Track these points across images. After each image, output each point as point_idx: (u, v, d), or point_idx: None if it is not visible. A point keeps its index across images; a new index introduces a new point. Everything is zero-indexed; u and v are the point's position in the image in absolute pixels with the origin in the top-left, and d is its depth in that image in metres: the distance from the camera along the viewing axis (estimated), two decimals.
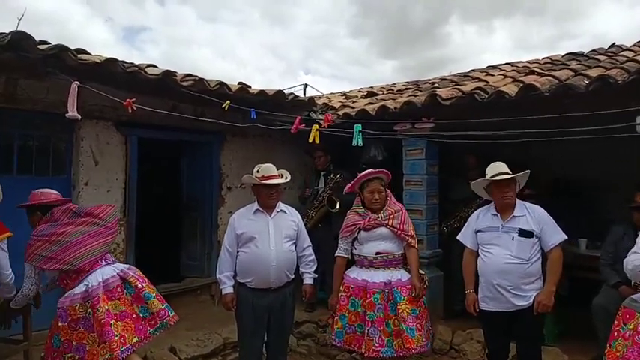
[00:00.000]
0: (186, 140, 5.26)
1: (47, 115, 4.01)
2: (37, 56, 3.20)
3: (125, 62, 3.78)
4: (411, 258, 3.27)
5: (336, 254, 3.44)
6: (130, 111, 3.41)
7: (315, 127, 3.55)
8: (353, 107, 5.06)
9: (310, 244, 3.43)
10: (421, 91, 5.16)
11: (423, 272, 3.40)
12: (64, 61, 3.32)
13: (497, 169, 3.13)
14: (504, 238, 3.04)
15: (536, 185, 3.85)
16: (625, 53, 4.47)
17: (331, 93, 7.54)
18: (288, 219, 3.30)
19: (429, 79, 6.21)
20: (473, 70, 5.81)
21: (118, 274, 2.88)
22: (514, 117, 3.52)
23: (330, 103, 5.59)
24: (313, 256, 3.41)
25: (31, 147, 4.08)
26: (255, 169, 3.22)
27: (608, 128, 3.16)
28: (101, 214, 3.01)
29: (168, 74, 3.91)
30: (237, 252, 3.20)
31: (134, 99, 3.46)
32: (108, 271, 2.86)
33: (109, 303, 2.75)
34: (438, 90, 4.40)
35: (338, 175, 5.00)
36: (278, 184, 3.20)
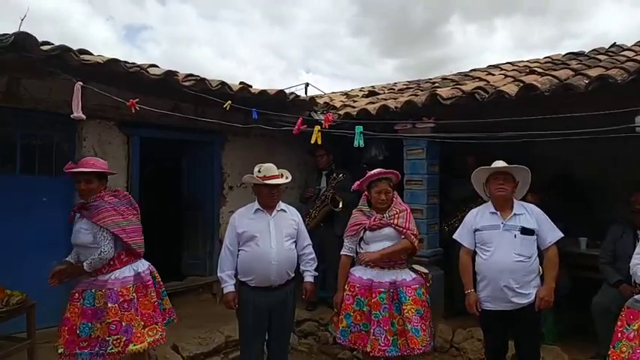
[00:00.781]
0: (187, 140, 5.28)
1: (50, 115, 4.03)
2: (40, 56, 3.23)
3: (127, 62, 3.80)
4: (400, 241, 3.25)
5: (342, 253, 3.46)
6: (134, 111, 3.43)
7: (317, 127, 3.56)
8: (354, 107, 5.07)
9: (310, 242, 3.44)
10: (422, 90, 5.18)
11: (426, 271, 3.41)
12: (67, 62, 3.34)
13: (497, 165, 3.17)
14: (506, 237, 3.02)
15: (537, 184, 3.86)
16: (625, 53, 4.47)
17: (333, 92, 7.56)
18: (289, 218, 3.32)
19: (430, 79, 6.23)
20: (474, 70, 5.82)
21: (148, 267, 3.13)
22: (514, 117, 3.52)
23: (331, 103, 5.61)
24: (313, 255, 3.43)
25: (34, 146, 4.10)
26: (256, 169, 3.23)
27: (608, 129, 3.17)
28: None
29: (170, 74, 3.93)
30: (239, 251, 3.22)
31: (137, 99, 3.48)
32: (145, 263, 3.12)
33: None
34: (438, 90, 4.41)
35: (340, 175, 5.01)
36: (279, 184, 3.22)
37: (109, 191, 3.04)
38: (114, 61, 3.58)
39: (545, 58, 5.55)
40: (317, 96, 6.60)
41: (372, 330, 3.16)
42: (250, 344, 3.24)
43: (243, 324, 3.25)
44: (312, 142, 3.58)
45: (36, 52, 3.18)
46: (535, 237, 3.02)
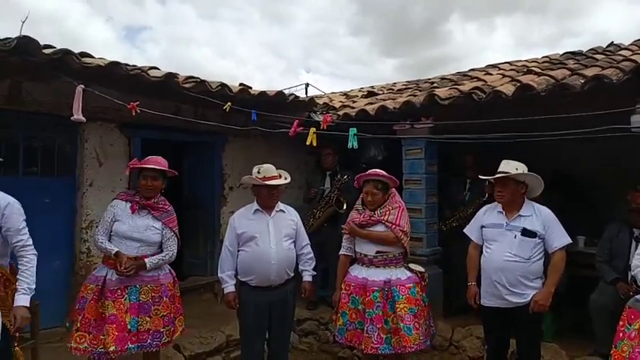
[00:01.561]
0: (188, 141, 5.33)
1: (52, 117, 4.07)
2: (42, 60, 3.26)
3: (128, 65, 3.84)
4: (389, 232, 3.27)
5: (340, 253, 3.52)
6: (134, 114, 3.47)
7: (313, 129, 3.60)
8: (353, 107, 5.11)
9: (309, 242, 3.48)
10: (421, 90, 5.21)
11: (423, 270, 3.45)
12: (68, 65, 3.38)
13: (502, 167, 3.17)
14: (507, 236, 3.07)
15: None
16: (622, 52, 4.49)
17: (332, 93, 7.59)
18: (288, 218, 3.36)
19: (429, 79, 6.25)
20: (472, 70, 5.85)
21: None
22: (512, 117, 3.55)
23: (330, 103, 5.64)
24: (312, 254, 3.47)
25: (36, 148, 4.15)
26: (256, 170, 3.27)
27: (604, 128, 3.19)
28: None
29: (170, 77, 3.97)
30: (238, 251, 3.26)
31: (138, 102, 3.52)
32: None
33: None
34: (436, 90, 4.44)
35: (345, 176, 5.03)
36: (278, 185, 3.25)
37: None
38: (115, 64, 3.62)
39: (544, 57, 5.57)
40: (317, 96, 6.63)
41: (365, 328, 3.21)
42: (251, 343, 3.28)
43: (244, 323, 3.29)
44: (308, 143, 3.61)
45: (38, 56, 3.22)
46: (538, 240, 3.03)
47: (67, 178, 4.32)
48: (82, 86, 3.28)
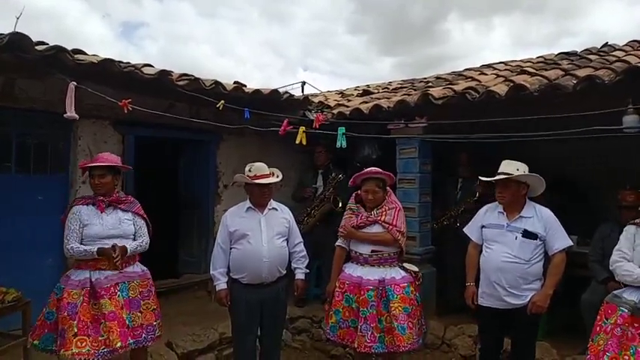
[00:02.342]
0: (183, 139, 5.32)
1: (45, 114, 4.06)
2: (35, 56, 3.25)
3: (122, 62, 3.83)
4: (386, 234, 3.28)
5: (336, 244, 3.52)
6: (126, 111, 3.46)
7: (302, 128, 3.61)
8: (347, 106, 5.11)
9: (302, 240, 3.49)
10: (415, 90, 5.22)
11: (417, 269, 3.46)
12: (62, 61, 3.37)
13: (502, 167, 3.15)
14: (507, 237, 3.06)
15: None
16: (616, 53, 4.51)
17: (328, 91, 7.60)
18: (280, 216, 3.36)
19: (425, 78, 6.27)
20: (467, 70, 5.87)
21: None
22: (505, 116, 3.57)
23: (326, 102, 5.64)
24: (304, 252, 3.48)
25: (29, 145, 4.13)
26: (247, 168, 3.28)
27: (596, 128, 3.21)
28: None
29: (164, 74, 3.96)
30: (231, 249, 3.26)
31: (129, 99, 3.51)
32: None
33: None
34: (430, 89, 4.46)
35: (340, 175, 5.04)
36: (269, 183, 3.25)
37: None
38: (108, 61, 3.61)
39: (538, 57, 5.59)
40: (312, 95, 6.64)
41: (359, 326, 3.21)
42: (243, 341, 3.29)
43: (236, 321, 3.31)
44: (297, 142, 3.62)
45: (31, 52, 3.20)
46: (539, 241, 3.02)
47: (60, 175, 4.31)
48: (75, 83, 3.26)
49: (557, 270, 3.01)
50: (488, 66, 5.79)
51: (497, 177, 3.11)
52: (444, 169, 5.01)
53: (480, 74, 5.09)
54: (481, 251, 3.25)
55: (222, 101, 3.93)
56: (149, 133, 4.74)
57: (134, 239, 3.15)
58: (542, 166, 3.32)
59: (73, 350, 2.78)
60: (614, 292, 2.74)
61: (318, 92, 7.89)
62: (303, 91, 9.44)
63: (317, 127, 3.73)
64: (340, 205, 4.92)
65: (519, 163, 3.14)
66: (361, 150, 4.96)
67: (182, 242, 5.64)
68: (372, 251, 3.31)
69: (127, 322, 2.95)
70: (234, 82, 4.59)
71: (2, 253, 3.80)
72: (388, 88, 6.17)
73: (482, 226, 3.24)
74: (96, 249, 2.94)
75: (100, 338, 2.84)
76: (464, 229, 3.43)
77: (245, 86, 4.63)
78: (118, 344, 2.84)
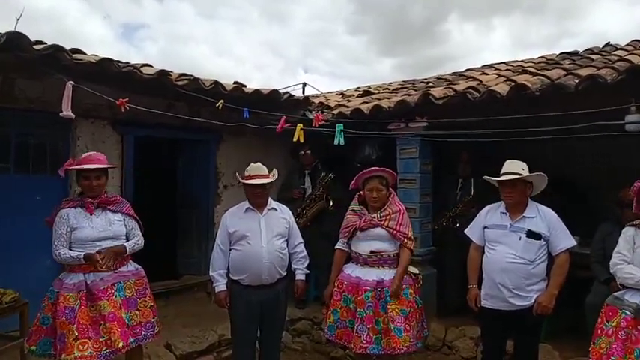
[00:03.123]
0: (182, 139, 5.31)
1: (44, 114, 4.03)
2: (33, 56, 3.24)
3: (120, 62, 3.82)
4: (401, 257, 3.27)
5: (336, 247, 3.50)
6: (123, 110, 3.45)
7: (300, 126, 3.59)
8: (348, 106, 5.09)
9: (302, 240, 3.47)
10: (416, 90, 5.19)
11: (417, 272, 3.42)
12: (60, 61, 3.35)
13: (508, 167, 3.11)
14: (511, 237, 3.03)
15: None
16: (618, 52, 4.49)
17: (329, 92, 7.58)
18: (279, 216, 3.34)
19: (425, 79, 6.24)
20: (468, 70, 5.84)
21: None
22: (506, 116, 3.55)
23: (326, 102, 5.62)
24: (305, 253, 3.46)
25: (28, 146, 4.12)
26: (247, 168, 3.27)
27: (597, 126, 3.19)
28: None
29: (163, 74, 3.94)
30: (230, 250, 3.25)
31: (127, 99, 3.49)
32: None
33: None
34: (431, 89, 4.44)
35: (330, 174, 5.03)
36: (261, 184, 3.22)
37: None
38: (107, 61, 3.59)
39: (540, 57, 5.57)
40: (313, 95, 6.61)
41: (355, 327, 3.19)
42: (242, 342, 3.27)
43: (235, 322, 3.29)
44: (295, 140, 3.60)
45: (29, 52, 3.19)
46: (542, 242, 3.00)
47: (59, 175, 4.28)
48: (72, 82, 3.25)
49: (562, 270, 2.98)
50: (490, 66, 5.76)
51: (507, 177, 3.06)
52: (445, 169, 4.98)
53: (481, 74, 5.07)
54: (483, 252, 3.21)
55: (222, 101, 3.91)
56: (148, 133, 4.73)
57: (126, 240, 3.11)
58: (542, 165, 3.30)
59: (76, 354, 2.75)
60: (615, 294, 2.71)
61: (318, 93, 7.86)
62: (303, 93, 9.41)
63: (317, 126, 3.71)
64: (332, 204, 4.91)
65: (521, 162, 3.11)
66: (361, 150, 4.94)
67: (181, 243, 5.61)
68: (372, 251, 3.28)
69: (127, 321, 2.94)
70: (234, 82, 4.57)
71: (0, 253, 3.78)
72: (389, 89, 6.15)
73: (485, 227, 3.20)
74: (82, 255, 2.89)
75: (101, 339, 2.83)
76: (465, 231, 3.39)
77: (245, 86, 4.61)
78: (120, 344, 2.83)
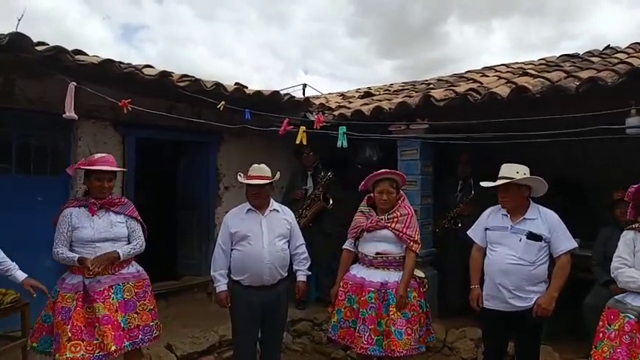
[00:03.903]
0: (183, 140, 5.31)
1: (45, 115, 4.04)
2: (35, 57, 3.24)
3: (122, 63, 3.82)
4: (406, 263, 3.25)
5: (343, 247, 3.51)
6: (126, 111, 3.45)
7: (303, 128, 3.59)
8: (349, 108, 5.10)
9: (303, 242, 3.47)
10: (417, 91, 5.20)
11: (423, 275, 3.42)
12: (62, 62, 3.36)
13: (502, 172, 3.12)
14: (512, 239, 3.03)
15: None
16: (618, 55, 4.51)
17: (329, 93, 7.59)
18: (281, 218, 3.34)
19: (426, 80, 6.25)
20: (469, 72, 5.86)
21: None
22: (507, 118, 3.55)
23: (327, 104, 5.64)
24: (306, 254, 3.46)
25: (29, 146, 4.12)
26: (250, 168, 3.30)
27: (599, 129, 3.19)
28: None
29: (165, 75, 3.95)
30: (231, 250, 3.25)
31: (129, 100, 3.50)
32: None
33: None
34: (432, 91, 4.45)
35: (329, 173, 5.04)
36: (259, 184, 3.21)
37: None
38: (108, 62, 3.60)
39: (540, 60, 5.58)
40: (313, 97, 6.62)
41: (357, 327, 3.19)
42: (243, 343, 3.27)
43: (236, 323, 3.29)
44: (298, 142, 3.60)
45: (31, 53, 3.20)
46: (543, 243, 3.00)
47: (60, 176, 4.29)
48: (75, 83, 3.26)
49: (563, 272, 2.98)
50: (490, 68, 5.77)
51: (497, 182, 3.08)
52: (445, 171, 4.99)
53: (481, 76, 5.08)
54: (485, 254, 3.22)
55: (223, 102, 3.92)
56: (149, 135, 4.74)
57: (128, 242, 3.09)
58: (543, 167, 3.31)
59: (67, 355, 2.75)
60: (616, 297, 2.70)
61: (319, 94, 7.87)
62: (304, 94, 9.41)
63: (318, 127, 3.72)
64: (331, 202, 4.92)
65: (519, 165, 3.12)
66: (362, 152, 4.95)
67: (182, 244, 5.61)
68: (377, 253, 3.28)
69: (122, 324, 2.90)
70: (235, 84, 4.58)
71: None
72: (389, 90, 6.16)
73: (486, 229, 3.21)
74: (77, 258, 2.90)
75: (94, 342, 2.81)
76: (467, 232, 3.41)
77: (246, 87, 4.62)
78: (113, 348, 2.79)
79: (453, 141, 4.01)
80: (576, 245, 3.07)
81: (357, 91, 7.02)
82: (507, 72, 5.08)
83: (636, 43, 5.04)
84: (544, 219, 3.04)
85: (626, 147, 3.93)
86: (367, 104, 5.05)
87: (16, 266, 3.03)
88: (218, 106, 3.92)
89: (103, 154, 3.14)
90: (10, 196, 3.97)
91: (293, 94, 5.42)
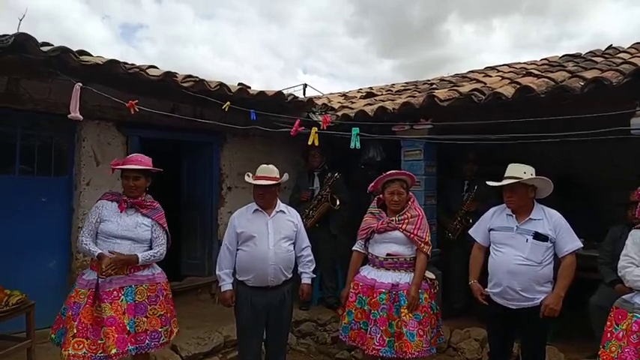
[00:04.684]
0: (186, 140, 5.30)
1: (49, 116, 4.05)
2: (40, 57, 3.24)
3: (126, 63, 3.81)
4: (417, 264, 3.25)
5: (353, 248, 3.51)
6: (133, 112, 3.45)
7: (315, 129, 3.59)
8: (352, 108, 5.10)
9: (309, 244, 3.46)
10: (419, 92, 5.20)
11: (434, 277, 3.42)
12: (66, 63, 3.35)
13: (509, 171, 3.12)
14: (518, 240, 3.03)
15: None
16: (621, 55, 4.51)
17: (331, 93, 7.59)
18: (287, 219, 3.34)
19: (428, 80, 6.25)
20: (471, 71, 5.86)
21: None
22: (511, 119, 3.55)
23: (329, 104, 5.62)
24: (312, 257, 3.46)
25: (32, 147, 4.11)
26: (258, 168, 3.30)
27: (604, 130, 3.19)
28: None
29: (169, 75, 3.94)
30: (237, 250, 3.25)
31: (136, 101, 3.50)
32: None
33: None
34: (435, 91, 4.44)
35: (336, 174, 5.04)
36: (265, 185, 3.21)
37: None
38: (113, 63, 3.59)
39: (542, 59, 5.58)
40: (315, 97, 6.62)
41: (369, 329, 3.19)
42: (248, 343, 3.27)
43: (241, 323, 3.29)
44: (310, 143, 3.60)
45: (36, 53, 3.19)
46: (549, 244, 3.00)
47: (63, 177, 4.29)
48: (80, 84, 3.25)
49: (568, 272, 2.98)
50: (492, 68, 5.77)
51: (504, 182, 3.09)
52: (449, 172, 4.99)
53: (484, 76, 5.08)
54: (487, 253, 3.22)
55: (228, 102, 3.91)
56: (153, 135, 4.72)
57: (150, 246, 3.09)
58: (547, 167, 3.31)
59: (70, 351, 2.75)
60: (624, 297, 2.71)
61: (320, 95, 7.87)
62: (304, 94, 9.42)
63: (324, 128, 3.72)
64: (338, 203, 4.92)
65: (526, 166, 3.12)
66: (366, 152, 4.94)
67: (185, 244, 5.61)
68: (388, 255, 3.28)
69: (129, 327, 2.87)
70: (239, 84, 4.58)
71: (6, 254, 3.78)
72: (392, 90, 6.16)
73: (491, 229, 3.20)
74: (97, 253, 2.91)
75: (99, 342, 2.80)
76: (469, 231, 3.42)
77: (249, 88, 4.61)
78: (113, 351, 2.77)
79: (457, 141, 4.01)
80: (581, 245, 3.08)
81: (359, 91, 7.02)
82: (510, 72, 5.08)
83: (639, 43, 5.05)
84: (549, 219, 3.04)
85: (630, 146, 3.93)
86: (370, 104, 5.04)
87: None
88: (223, 107, 3.92)
89: (135, 155, 3.21)
90: (14, 196, 3.96)
91: (294, 94, 5.41)
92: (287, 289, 3.31)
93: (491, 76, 4.95)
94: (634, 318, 2.52)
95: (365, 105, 5.07)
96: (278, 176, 3.27)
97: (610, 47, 5.25)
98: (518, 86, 3.82)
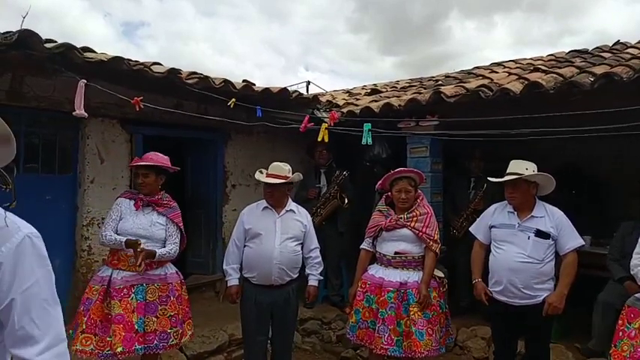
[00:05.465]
0: (190, 138, 5.28)
1: (53, 113, 4.02)
2: (44, 54, 3.21)
3: (131, 60, 3.78)
4: (426, 262, 3.22)
5: (361, 247, 3.49)
6: (138, 109, 3.42)
7: (325, 125, 3.56)
8: (357, 105, 5.06)
9: (318, 246, 3.42)
10: (425, 88, 5.16)
11: (443, 275, 3.39)
12: (70, 60, 3.32)
13: (511, 167, 3.11)
14: (520, 237, 3.01)
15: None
16: (630, 50, 4.47)
17: (334, 90, 7.55)
18: (296, 219, 3.30)
19: (433, 77, 6.22)
20: (477, 68, 5.82)
21: None
22: (519, 114, 3.52)
23: (334, 101, 5.59)
24: (320, 259, 3.42)
25: (37, 144, 4.09)
26: (269, 166, 3.28)
27: (614, 127, 3.15)
28: None
29: (173, 72, 3.91)
30: (244, 246, 3.24)
31: (141, 97, 3.47)
32: None
33: None
34: (442, 87, 4.40)
35: (344, 172, 5.00)
36: (274, 183, 3.18)
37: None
38: (118, 59, 3.56)
39: (549, 55, 5.54)
40: (319, 94, 6.59)
41: (377, 327, 3.16)
42: (253, 341, 3.25)
43: (246, 321, 3.27)
44: (320, 139, 3.57)
45: (40, 50, 3.16)
46: (551, 241, 2.98)
47: (68, 174, 4.27)
48: (85, 81, 3.23)
49: (571, 270, 2.96)
50: (498, 64, 5.74)
51: (506, 177, 3.07)
52: (455, 169, 4.95)
53: (490, 72, 5.04)
54: (488, 250, 3.20)
55: (234, 99, 3.88)
56: (157, 132, 4.69)
57: (163, 245, 3.07)
58: (555, 165, 3.28)
59: (77, 347, 2.76)
60: (636, 295, 2.67)
61: (324, 92, 7.83)
62: (307, 91, 9.39)
63: (332, 124, 3.69)
64: (347, 201, 4.89)
65: (528, 162, 3.11)
66: (371, 149, 4.90)
67: (189, 242, 5.57)
68: (396, 253, 3.25)
69: (137, 326, 2.85)
70: (243, 81, 4.54)
71: None
72: (396, 87, 6.12)
73: (492, 227, 3.18)
74: (124, 240, 2.91)
75: (107, 339, 2.79)
76: (470, 229, 3.40)
77: (254, 85, 4.58)
78: (119, 349, 2.76)
79: (464, 137, 3.98)
80: (583, 243, 3.07)
81: (363, 87, 6.99)
82: (517, 68, 5.04)
83: None
84: (551, 217, 3.03)
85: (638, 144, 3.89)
86: (375, 101, 5.00)
87: None
88: (228, 104, 3.90)
89: (151, 153, 3.24)
90: (18, 194, 3.92)
91: (298, 90, 5.38)
92: (292, 288, 3.29)
93: (497, 72, 4.91)
94: None
95: (370, 102, 5.03)
96: (289, 175, 3.22)
97: (618, 43, 5.21)
98: (526, 82, 3.78)
